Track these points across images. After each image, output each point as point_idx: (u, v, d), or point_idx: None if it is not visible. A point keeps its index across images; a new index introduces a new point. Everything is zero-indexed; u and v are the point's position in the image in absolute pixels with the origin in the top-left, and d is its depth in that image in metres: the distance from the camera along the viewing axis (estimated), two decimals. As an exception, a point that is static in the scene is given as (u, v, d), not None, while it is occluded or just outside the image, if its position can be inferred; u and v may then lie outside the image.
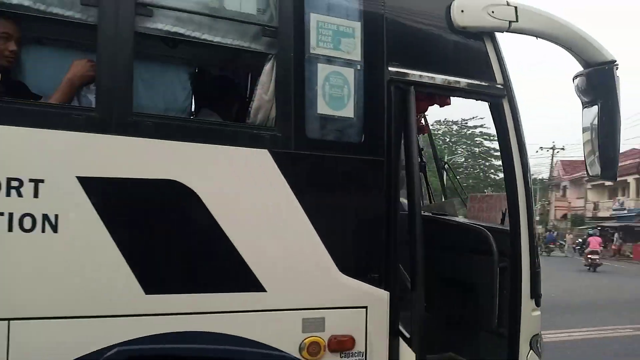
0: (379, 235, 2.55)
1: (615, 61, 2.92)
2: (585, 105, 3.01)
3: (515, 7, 2.78)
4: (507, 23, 2.77)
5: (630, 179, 36.10)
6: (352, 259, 2.51)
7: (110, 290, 2.07)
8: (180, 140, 2.17)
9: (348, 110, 2.45)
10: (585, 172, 3.29)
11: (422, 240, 2.61)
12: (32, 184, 1.92)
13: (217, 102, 2.79)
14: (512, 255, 2.87)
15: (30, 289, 1.98)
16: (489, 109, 2.93)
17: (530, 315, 2.87)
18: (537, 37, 2.93)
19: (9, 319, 1.91)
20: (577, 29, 2.95)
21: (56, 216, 1.96)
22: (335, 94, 2.41)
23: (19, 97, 2.14)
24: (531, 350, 2.88)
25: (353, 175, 2.56)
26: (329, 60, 2.41)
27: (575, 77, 3.05)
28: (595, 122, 2.91)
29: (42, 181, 1.93)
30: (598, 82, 2.92)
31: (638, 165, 28.47)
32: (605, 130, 2.88)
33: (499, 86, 2.86)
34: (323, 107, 2.38)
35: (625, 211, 35.07)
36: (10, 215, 1.89)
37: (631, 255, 30.82)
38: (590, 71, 2.95)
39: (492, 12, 2.75)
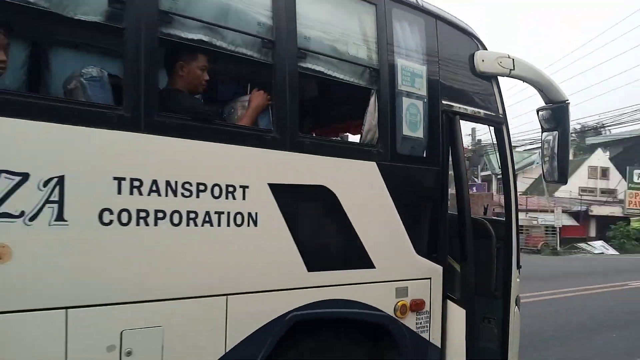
0: (437, 225, 3.44)
1: (568, 100, 4.08)
2: (545, 130, 4.10)
3: (513, 60, 3.86)
4: (508, 70, 3.84)
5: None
6: (422, 243, 3.37)
7: (286, 268, 2.75)
8: (328, 155, 2.96)
9: (419, 132, 3.35)
10: (543, 178, 4.58)
11: (471, 231, 3.57)
12: (242, 189, 2.56)
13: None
14: (506, 238, 3.87)
15: (241, 269, 2.58)
16: (494, 132, 3.99)
17: (516, 281, 3.89)
18: (523, 80, 4.04)
19: (227, 295, 2.52)
20: (548, 76, 4.13)
21: (256, 213, 2.60)
22: (412, 120, 3.30)
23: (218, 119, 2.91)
24: (516, 307, 3.90)
25: (421, 181, 3.44)
26: (409, 95, 3.30)
27: (540, 110, 4.15)
28: (553, 143, 4.03)
29: (247, 187, 2.58)
30: (557, 115, 4.03)
31: None
32: (562, 149, 3.99)
33: (500, 115, 3.95)
34: (406, 130, 3.27)
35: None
36: (228, 213, 2.52)
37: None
38: (552, 107, 4.05)
39: (500, 62, 3.81)
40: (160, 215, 2.29)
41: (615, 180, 37.27)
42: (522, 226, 27.62)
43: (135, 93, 2.30)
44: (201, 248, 2.44)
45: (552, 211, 29.81)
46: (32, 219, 1.96)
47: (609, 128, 35.56)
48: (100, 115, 2.20)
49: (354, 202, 3.01)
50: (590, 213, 33.28)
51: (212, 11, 2.59)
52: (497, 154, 4.07)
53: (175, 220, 2.34)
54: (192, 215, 2.39)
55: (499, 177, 38.28)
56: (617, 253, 28.87)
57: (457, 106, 3.59)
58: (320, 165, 2.90)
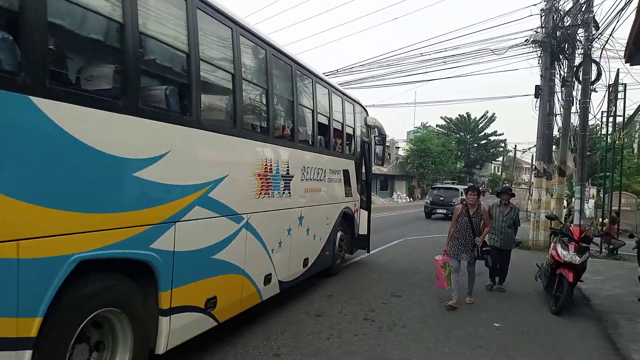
0: (362, 185, 10.52)
1: (387, 136, 12.04)
2: (377, 144, 11.44)
3: (374, 119, 10.87)
4: (373, 122, 10.89)
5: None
6: (359, 190, 10.30)
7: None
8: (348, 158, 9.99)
9: (359, 149, 10.31)
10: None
11: (368, 188, 10.95)
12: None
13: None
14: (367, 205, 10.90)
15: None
16: (367, 148, 10.76)
17: (370, 206, 11.06)
18: (377, 129, 11.26)
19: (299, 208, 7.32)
20: (380, 124, 11.20)
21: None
22: (357, 146, 10.23)
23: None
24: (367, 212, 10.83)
25: (360, 167, 10.35)
26: (360, 137, 10.42)
27: (376, 137, 11.36)
28: (381, 148, 11.55)
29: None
30: (383, 138, 11.56)
31: None
32: (384, 151, 11.66)
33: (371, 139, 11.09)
34: (358, 149, 10.26)
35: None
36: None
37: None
38: (382, 135, 11.50)
39: (373, 120, 10.85)
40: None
41: None
42: None
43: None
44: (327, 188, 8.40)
45: None
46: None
47: None
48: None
49: (353, 170, 9.84)
50: None
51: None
52: (366, 157, 10.65)
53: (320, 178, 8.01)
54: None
55: None
56: None
57: (366, 139, 10.68)
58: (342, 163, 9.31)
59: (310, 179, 7.40)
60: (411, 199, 48.60)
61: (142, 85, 3.90)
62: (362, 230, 10.52)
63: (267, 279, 6.07)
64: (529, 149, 43.16)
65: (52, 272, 3.01)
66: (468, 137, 58.82)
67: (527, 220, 19.01)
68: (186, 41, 4.29)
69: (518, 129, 75.15)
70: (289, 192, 6.59)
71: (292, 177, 6.64)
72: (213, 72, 4.95)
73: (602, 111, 16.91)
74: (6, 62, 2.72)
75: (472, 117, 58.43)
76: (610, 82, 15.15)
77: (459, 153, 56.77)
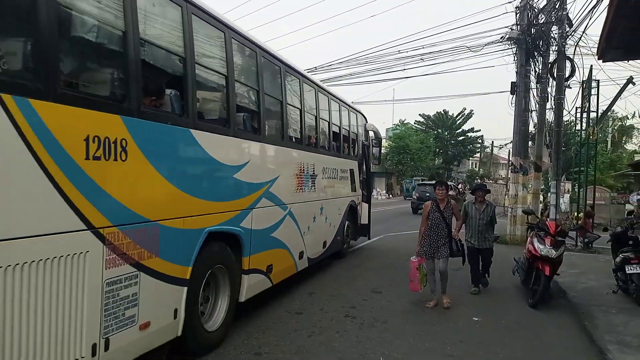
0: (363, 181, 12.49)
1: (382, 139, 14.89)
2: (374, 146, 13.23)
3: (372, 125, 13.30)
4: (371, 127, 13.22)
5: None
6: (361, 186, 12.28)
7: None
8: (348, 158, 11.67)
9: (360, 152, 12.26)
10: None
11: (369, 183, 13.27)
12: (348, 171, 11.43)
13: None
14: (369, 188, 13.23)
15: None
16: (366, 149, 12.74)
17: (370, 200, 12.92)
18: (374, 133, 13.35)
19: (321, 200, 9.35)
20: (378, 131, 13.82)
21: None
22: (359, 149, 12.22)
23: None
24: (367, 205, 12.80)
25: (362, 167, 12.42)
26: (365, 142, 12.73)
27: (373, 140, 13.27)
28: (377, 150, 13.48)
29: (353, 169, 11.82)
30: (379, 142, 13.65)
31: None
32: (380, 152, 13.72)
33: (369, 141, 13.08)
34: (358, 152, 12.17)
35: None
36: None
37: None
38: (379, 138, 13.69)
39: (372, 126, 13.26)
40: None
41: None
42: None
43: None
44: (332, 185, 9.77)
45: None
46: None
47: None
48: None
49: (356, 169, 11.75)
50: None
51: None
52: (366, 158, 12.63)
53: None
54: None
55: None
56: None
57: (365, 143, 12.64)
58: (349, 163, 11.24)
59: (328, 177, 9.40)
60: (390, 196, 48.94)
61: (237, 115, 5.73)
62: (364, 220, 12.47)
63: (300, 255, 7.94)
64: (506, 145, 43.86)
65: (197, 237, 4.74)
66: (446, 133, 59.32)
67: (504, 215, 19.28)
68: (258, 88, 6.39)
69: (495, 125, 76.26)
70: (315, 188, 8.59)
71: (317, 176, 8.69)
72: (272, 103, 7.04)
73: (576, 107, 17.17)
74: (177, 109, 4.52)
75: (450, 113, 58.95)
76: (584, 79, 15.41)
77: (437, 149, 57.32)
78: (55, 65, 3.15)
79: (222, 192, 5.35)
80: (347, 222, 10.95)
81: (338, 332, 5.96)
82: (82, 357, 3.35)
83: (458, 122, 59.25)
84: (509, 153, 20.68)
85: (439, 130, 59.19)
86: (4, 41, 2.99)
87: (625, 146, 42.46)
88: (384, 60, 18.29)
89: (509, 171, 17.13)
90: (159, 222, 4.16)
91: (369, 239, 13.19)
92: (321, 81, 11.85)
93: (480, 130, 60.47)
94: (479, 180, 40.18)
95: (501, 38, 15.13)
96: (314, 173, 8.52)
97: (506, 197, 17.86)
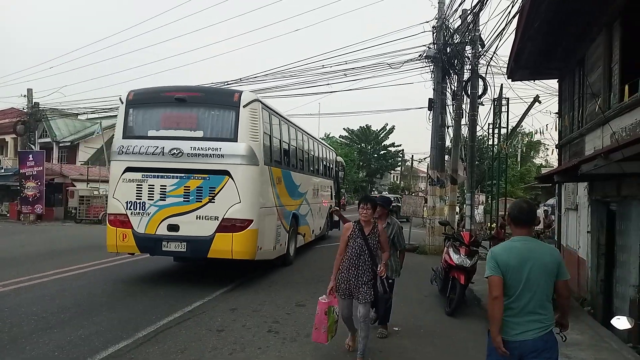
0: (335, 195, 19.41)
1: (345, 166, 26.16)
2: (341, 170, 21.84)
3: (340, 157, 22.42)
4: (338, 159, 21.71)
5: (8, 138, 39.36)
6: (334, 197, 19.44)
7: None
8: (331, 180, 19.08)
9: (334, 175, 19.14)
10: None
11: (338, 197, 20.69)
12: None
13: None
14: (338, 204, 20.36)
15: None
16: (336, 172, 19.81)
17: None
18: (340, 163, 21.61)
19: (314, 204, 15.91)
20: (342, 161, 23.73)
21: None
22: (335, 173, 19.55)
23: None
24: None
25: (336, 185, 19.14)
26: (336, 168, 19.69)
27: (340, 168, 21.80)
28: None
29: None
30: (342, 169, 22.72)
31: (15, 124, 29.81)
32: (342, 178, 23.14)
33: (340, 170, 21.01)
34: (333, 176, 19.09)
35: (2, 170, 34.16)
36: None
37: (8, 214, 29.92)
38: (342, 167, 22.69)
39: (339, 157, 22.60)
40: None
41: None
42: (83, 196, 27.25)
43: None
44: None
45: None
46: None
47: None
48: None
49: (332, 186, 18.61)
50: None
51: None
52: (337, 179, 19.51)
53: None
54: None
55: (60, 145, 38.62)
56: None
57: (336, 168, 19.32)
58: (329, 182, 18.09)
59: (321, 190, 16.24)
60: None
61: (299, 162, 13.41)
62: (335, 219, 18.21)
63: (313, 231, 15.06)
64: (425, 158, 45.49)
65: (290, 214, 11.84)
66: (369, 147, 60.85)
67: (423, 226, 19.94)
68: (303, 148, 13.87)
69: (414, 139, 79.32)
70: (317, 196, 15.35)
71: (318, 189, 15.59)
72: (305, 153, 14.08)
73: (488, 123, 18.21)
74: (282, 162, 11.46)
75: (373, 128, 60.59)
76: (495, 97, 16.38)
77: (361, 163, 58.61)
78: (275, 158, 10.88)
79: (296, 196, 12.60)
80: (327, 219, 17.83)
81: (260, 348, 5.86)
82: (273, 248, 10.55)
83: (380, 136, 61.00)
84: (428, 166, 21.62)
85: (363, 145, 60.63)
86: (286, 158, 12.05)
87: (533, 160, 45.39)
88: (309, 74, 18.53)
89: (428, 184, 17.82)
90: (285, 207, 11.31)
91: (339, 229, 15.63)
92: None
93: (401, 145, 62.67)
94: (402, 193, 41.22)
95: (419, 56, 15.77)
96: (317, 188, 15.53)
97: (425, 208, 18.50)
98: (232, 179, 8.82)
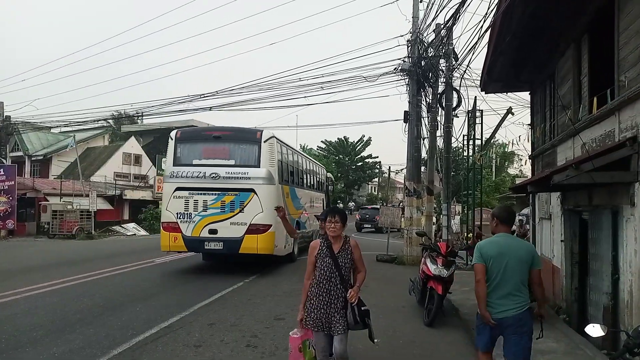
0: (325, 205, 20.82)
1: (334, 181, 33.15)
2: (330, 184, 24.76)
3: (329, 173, 26.32)
4: (329, 175, 24.93)
5: None
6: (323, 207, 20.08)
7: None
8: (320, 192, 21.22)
9: (325, 189, 21.62)
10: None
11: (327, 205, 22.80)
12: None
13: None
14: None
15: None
16: (326, 186, 22.09)
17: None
18: (330, 178, 24.44)
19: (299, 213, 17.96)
20: (332, 177, 27.65)
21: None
22: (327, 187, 22.40)
23: None
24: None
25: (327, 195, 21.68)
26: (326, 182, 22.05)
27: (330, 183, 23.91)
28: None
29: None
30: (332, 183, 26.62)
31: None
32: (331, 191, 26.89)
33: (330, 184, 23.65)
34: (325, 190, 22.11)
35: None
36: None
37: None
38: (332, 182, 26.40)
39: (329, 173, 26.10)
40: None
41: (147, 166, 40.32)
42: (56, 211, 27.24)
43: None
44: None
45: (87, 195, 29.35)
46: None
47: (142, 118, 39.38)
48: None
49: (324, 198, 21.18)
50: (124, 197, 34.60)
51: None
52: (327, 192, 21.98)
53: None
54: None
55: (33, 158, 38.71)
56: (148, 234, 31.14)
57: (326, 182, 21.86)
58: (321, 195, 20.82)
59: (315, 201, 18.60)
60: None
61: (300, 179, 16.47)
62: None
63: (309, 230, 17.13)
64: (402, 170, 45.91)
65: (295, 220, 14.59)
66: (346, 159, 61.20)
67: (401, 237, 20.06)
68: (304, 169, 17.29)
69: (391, 151, 79.97)
70: (313, 206, 17.67)
71: (314, 201, 18.25)
72: (305, 173, 17.40)
73: (463, 135, 18.50)
74: (289, 181, 14.70)
75: (350, 140, 60.94)
76: (470, 109, 16.65)
77: (339, 174, 58.79)
78: (285, 178, 14.01)
79: (298, 207, 15.33)
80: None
81: (238, 363, 5.80)
82: (284, 247, 13.35)
83: (358, 148, 61.36)
84: (404, 178, 21.96)
85: (340, 156, 60.90)
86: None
87: (508, 171, 46.13)
88: (286, 87, 18.60)
89: (405, 195, 17.97)
90: (291, 215, 13.39)
91: None
92: (223, 106, 20.01)
93: (378, 156, 63.17)
94: (382, 203, 41.26)
95: (394, 69, 15.97)
96: (313, 199, 18.36)
97: (402, 219, 18.63)
98: (257, 194, 11.98)
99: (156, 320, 7.65)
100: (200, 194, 12.12)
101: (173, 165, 12.57)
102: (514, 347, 4.18)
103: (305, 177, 17.28)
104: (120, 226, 32.16)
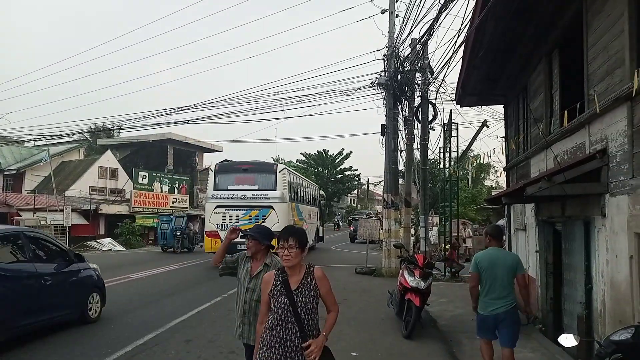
0: (320, 217, 28.59)
1: (325, 196, 39.67)
2: (322, 199, 32.63)
3: (321, 189, 34.77)
4: (321, 191, 33.17)
5: None
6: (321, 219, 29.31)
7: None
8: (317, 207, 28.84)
9: (318, 203, 28.59)
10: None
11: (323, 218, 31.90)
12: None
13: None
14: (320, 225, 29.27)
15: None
16: (319, 202, 29.22)
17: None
18: (322, 194, 32.76)
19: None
20: (323, 193, 36.42)
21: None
22: (320, 202, 29.50)
23: None
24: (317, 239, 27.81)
25: (320, 210, 28.88)
26: (320, 201, 29.60)
27: (322, 198, 32.34)
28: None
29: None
30: (324, 199, 37.00)
31: None
32: (324, 205, 36.94)
33: (320, 197, 30.09)
34: (318, 204, 28.99)
35: None
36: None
37: None
38: (324, 197, 35.19)
39: (321, 190, 35.30)
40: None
41: (123, 180, 39.60)
42: (29, 227, 23.63)
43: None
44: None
45: (62, 210, 28.57)
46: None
47: (119, 131, 39.24)
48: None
49: (318, 211, 27.95)
50: (100, 211, 34.03)
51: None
52: (320, 206, 29.22)
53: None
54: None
55: (5, 173, 37.72)
56: (124, 248, 30.75)
57: (319, 198, 28.90)
58: (315, 209, 27.07)
59: (311, 214, 24.52)
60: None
61: (300, 197, 22.77)
62: (320, 234, 27.44)
63: (310, 240, 19.79)
64: (380, 182, 46.24)
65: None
66: (326, 172, 61.24)
67: (379, 249, 20.13)
68: (302, 188, 23.78)
69: (370, 163, 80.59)
70: (311, 218, 24.40)
71: (311, 214, 24.65)
72: (304, 191, 24.01)
73: (439, 147, 18.69)
74: (295, 199, 21.24)
75: (329, 153, 61.13)
76: (445, 122, 16.86)
77: (319, 187, 58.82)
78: (292, 197, 19.89)
79: (300, 219, 20.87)
80: (314, 234, 24.96)
81: (216, 379, 5.73)
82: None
83: (337, 160, 61.57)
84: (383, 190, 22.11)
85: (320, 169, 60.98)
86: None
87: (484, 182, 46.77)
88: (264, 100, 18.62)
89: (383, 207, 18.06)
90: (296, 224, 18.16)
91: (322, 241, 28.89)
92: (201, 119, 21.38)
93: (357, 169, 63.40)
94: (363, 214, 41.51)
95: (371, 83, 16.12)
96: (310, 213, 23.71)
97: (381, 231, 18.70)
98: (274, 210, 17.28)
99: (131, 337, 7.50)
100: (234, 209, 17.47)
101: (213, 190, 17.98)
102: (505, 335, 5.35)
103: (305, 195, 23.84)
104: (96, 241, 31.50)
